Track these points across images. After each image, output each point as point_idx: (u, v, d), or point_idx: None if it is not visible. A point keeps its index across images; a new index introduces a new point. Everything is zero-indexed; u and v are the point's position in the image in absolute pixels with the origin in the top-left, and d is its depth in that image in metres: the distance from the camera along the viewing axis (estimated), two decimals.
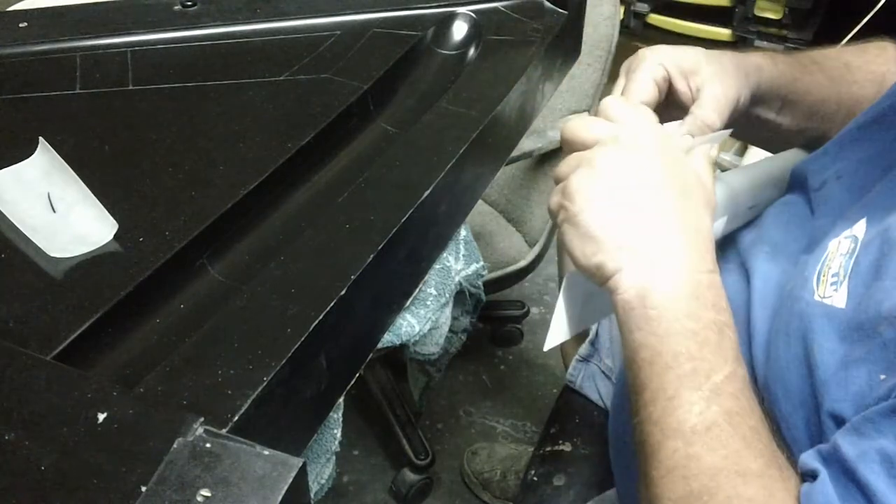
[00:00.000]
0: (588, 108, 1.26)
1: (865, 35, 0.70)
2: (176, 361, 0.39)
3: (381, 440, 1.51)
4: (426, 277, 0.80)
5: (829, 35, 0.76)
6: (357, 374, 0.48)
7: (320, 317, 0.41)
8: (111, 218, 0.47)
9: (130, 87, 0.62)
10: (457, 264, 0.92)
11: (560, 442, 0.86)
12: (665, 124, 0.57)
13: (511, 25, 0.70)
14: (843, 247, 0.51)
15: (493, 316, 1.73)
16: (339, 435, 0.72)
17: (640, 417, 0.48)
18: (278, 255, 0.46)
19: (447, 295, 0.89)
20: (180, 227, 0.47)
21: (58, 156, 0.48)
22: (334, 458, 0.73)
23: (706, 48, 0.61)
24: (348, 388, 0.48)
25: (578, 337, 0.89)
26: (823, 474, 0.42)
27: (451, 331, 1.01)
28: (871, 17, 1.58)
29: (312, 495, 0.70)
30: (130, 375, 0.39)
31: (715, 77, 0.58)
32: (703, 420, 0.45)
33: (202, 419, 0.33)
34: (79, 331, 0.40)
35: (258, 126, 0.57)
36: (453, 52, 0.69)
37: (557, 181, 0.54)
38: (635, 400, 0.49)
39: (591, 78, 1.23)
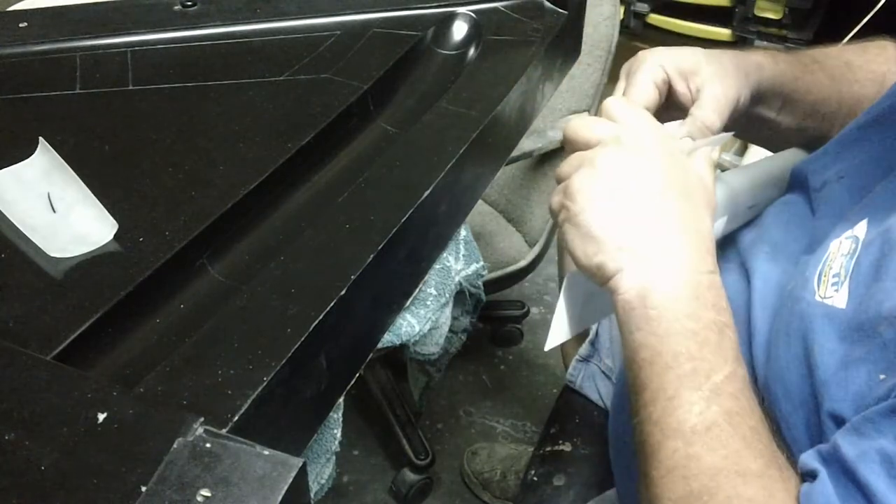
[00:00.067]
0: (588, 108, 1.26)
1: (865, 35, 0.70)
2: (176, 361, 0.39)
3: (381, 440, 1.51)
4: (426, 277, 0.80)
5: (829, 35, 0.76)
6: (357, 374, 0.48)
7: (320, 317, 0.41)
8: (111, 218, 0.47)
9: (130, 87, 0.62)
10: (457, 264, 0.92)
11: (560, 442, 0.86)
12: (665, 124, 0.57)
13: (511, 25, 0.70)
14: (844, 247, 0.51)
15: (493, 316, 1.73)
16: (339, 435, 0.72)
17: (641, 417, 0.48)
18: (278, 255, 0.46)
19: (447, 295, 0.89)
20: (180, 227, 0.47)
21: (58, 156, 0.48)
22: (334, 458, 0.73)
23: (706, 48, 0.61)
24: (348, 388, 0.48)
25: (578, 337, 0.89)
26: (823, 474, 0.42)
27: (451, 331, 1.01)
28: (872, 16, 1.58)
29: (312, 495, 0.70)
30: (130, 375, 0.39)
31: (714, 78, 0.58)
32: (703, 420, 0.45)
33: (202, 419, 0.33)
34: (79, 331, 0.40)
35: (258, 126, 0.57)
36: (453, 52, 0.69)
37: (559, 181, 0.54)
38: (635, 400, 0.49)
39: (591, 78, 1.23)
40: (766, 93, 0.62)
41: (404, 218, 0.48)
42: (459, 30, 0.70)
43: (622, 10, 2.08)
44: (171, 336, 0.41)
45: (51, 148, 0.48)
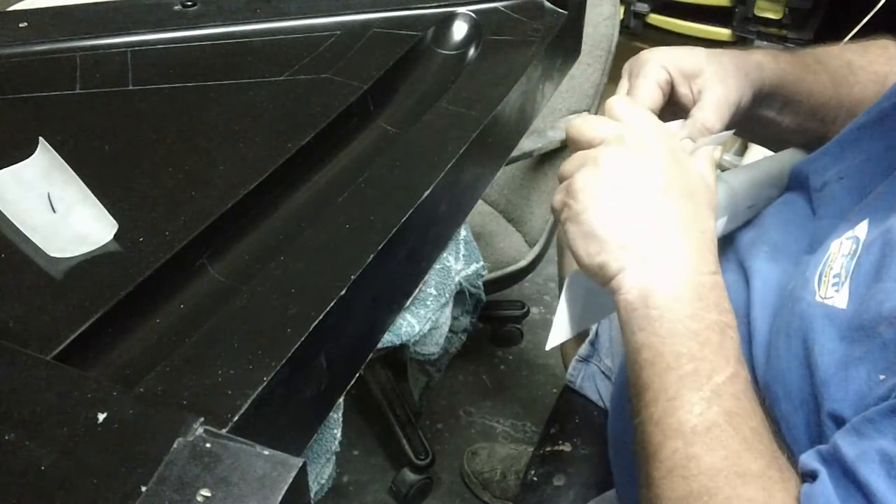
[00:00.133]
0: (588, 108, 1.26)
1: (865, 34, 0.70)
2: (176, 361, 0.39)
3: (381, 440, 1.51)
4: (426, 277, 0.80)
5: (829, 35, 0.76)
6: (357, 374, 0.48)
7: (320, 317, 0.41)
8: (111, 218, 0.47)
9: (130, 87, 0.62)
10: (457, 264, 0.92)
11: (560, 442, 0.86)
12: (667, 123, 0.57)
13: (511, 25, 0.70)
14: (844, 248, 0.51)
15: (493, 316, 1.73)
16: (339, 435, 0.72)
17: (642, 418, 0.48)
18: (278, 255, 0.46)
19: (447, 295, 0.89)
20: (180, 227, 0.47)
21: (58, 156, 0.48)
22: (334, 458, 0.73)
23: (706, 48, 0.61)
24: (348, 388, 0.48)
25: (578, 337, 0.89)
26: (823, 475, 0.42)
27: (451, 331, 1.01)
28: (872, 16, 1.58)
29: (312, 495, 0.70)
30: (130, 375, 0.39)
31: (716, 79, 0.58)
32: (704, 420, 0.45)
33: (202, 419, 0.33)
34: (79, 331, 0.40)
35: (258, 126, 0.57)
36: (453, 52, 0.69)
37: (562, 179, 0.54)
38: (636, 400, 0.49)
39: (591, 78, 1.23)
40: (767, 93, 0.62)
41: (404, 218, 0.48)
42: (459, 30, 0.70)
43: (622, 10, 2.08)
44: (171, 336, 0.41)
45: (51, 148, 0.48)
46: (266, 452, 0.32)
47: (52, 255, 0.45)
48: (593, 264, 0.50)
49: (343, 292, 0.43)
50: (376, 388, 1.48)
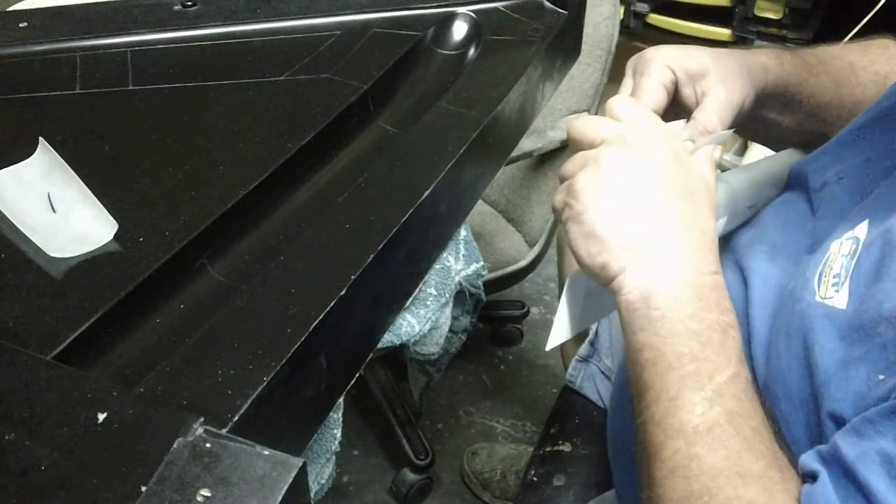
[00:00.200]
0: (588, 108, 1.26)
1: (865, 34, 0.70)
2: (176, 361, 0.39)
3: (381, 440, 1.51)
4: (426, 277, 0.80)
5: (829, 35, 0.76)
6: (357, 374, 0.48)
7: (320, 317, 0.41)
8: (111, 218, 0.47)
9: (130, 87, 0.62)
10: (457, 264, 0.92)
11: (560, 442, 0.86)
12: (668, 123, 0.57)
13: (511, 25, 0.70)
14: (844, 248, 0.51)
15: (493, 316, 1.73)
16: (339, 435, 0.72)
17: (643, 418, 0.48)
18: (278, 255, 0.46)
19: (447, 295, 0.89)
20: (180, 227, 0.47)
21: (58, 156, 0.48)
22: (334, 458, 0.73)
23: (709, 48, 0.61)
24: (348, 388, 0.48)
25: (578, 337, 0.89)
26: (823, 475, 0.42)
27: (451, 331, 1.01)
28: (872, 16, 1.58)
29: (312, 495, 0.70)
30: (130, 375, 0.39)
31: (719, 82, 0.58)
32: (706, 421, 0.45)
33: (202, 419, 0.33)
34: (79, 331, 0.40)
35: (258, 126, 0.57)
36: (453, 52, 0.69)
37: (563, 179, 0.54)
38: (638, 401, 0.49)
39: (591, 78, 1.23)
40: (770, 95, 0.62)
41: (404, 218, 0.48)
42: (459, 30, 0.70)
43: (622, 10, 2.08)
44: (171, 336, 0.41)
45: (51, 148, 0.48)
46: (266, 452, 0.32)
47: (52, 255, 0.45)
48: (594, 265, 0.50)
49: (343, 292, 0.43)
50: (376, 388, 1.48)
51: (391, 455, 1.49)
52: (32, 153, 0.48)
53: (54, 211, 0.47)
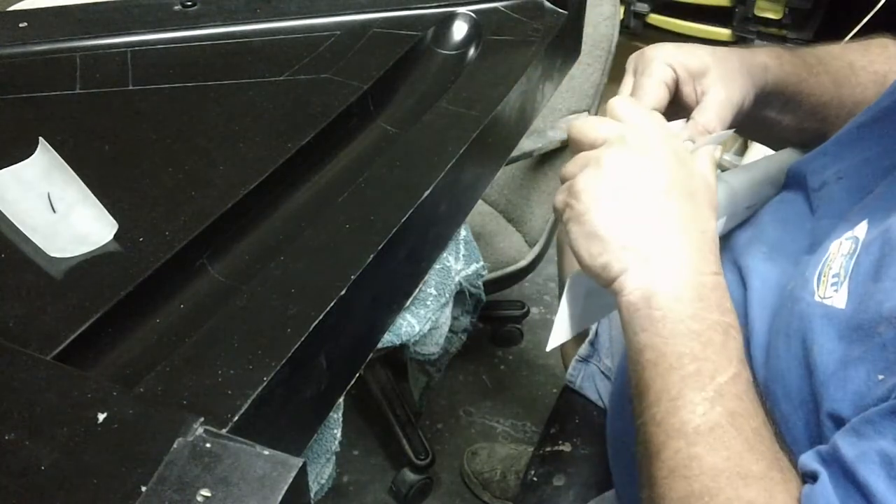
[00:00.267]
0: (588, 108, 1.26)
1: (865, 34, 0.70)
2: (176, 361, 0.39)
3: (381, 440, 1.51)
4: (426, 277, 0.80)
5: (829, 35, 0.76)
6: (357, 374, 0.48)
7: (320, 317, 0.41)
8: (111, 218, 0.47)
9: (130, 87, 0.62)
10: (457, 264, 0.92)
11: (560, 442, 0.86)
12: (668, 123, 0.57)
13: (511, 25, 0.70)
14: (844, 248, 0.51)
15: (493, 316, 1.73)
16: (339, 435, 0.72)
17: (644, 419, 0.48)
18: (278, 255, 0.46)
19: (447, 295, 0.89)
20: (180, 227, 0.47)
21: (58, 156, 0.48)
22: (334, 458, 0.73)
23: (710, 47, 0.61)
24: (348, 388, 0.48)
25: (578, 337, 0.89)
26: (823, 475, 0.42)
27: (451, 331, 1.01)
28: (872, 16, 1.58)
29: (312, 495, 0.70)
30: (130, 375, 0.39)
31: (720, 81, 0.58)
32: (707, 421, 0.45)
33: (202, 419, 0.33)
34: (79, 331, 0.40)
35: (258, 126, 0.57)
36: (453, 52, 0.69)
37: (563, 180, 0.54)
38: (639, 401, 0.49)
39: (591, 78, 1.23)
40: (769, 94, 0.61)
41: (404, 218, 0.48)
42: (459, 30, 0.70)
43: (622, 10, 2.08)
44: (171, 336, 0.41)
45: (51, 148, 0.48)
46: (266, 452, 0.32)
47: (52, 255, 0.45)
48: (595, 265, 0.50)
49: (343, 292, 0.43)
50: (376, 388, 1.48)
51: (391, 455, 1.49)
52: (32, 153, 0.48)
53: (54, 211, 0.47)
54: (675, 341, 0.47)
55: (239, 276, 0.45)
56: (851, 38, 0.71)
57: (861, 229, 0.51)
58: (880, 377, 0.42)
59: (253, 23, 0.70)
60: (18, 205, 0.47)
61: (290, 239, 0.48)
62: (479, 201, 1.14)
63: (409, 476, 1.41)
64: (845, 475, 0.41)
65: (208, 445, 0.32)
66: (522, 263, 1.33)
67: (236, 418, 0.36)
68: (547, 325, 1.77)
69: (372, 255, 0.45)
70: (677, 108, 0.60)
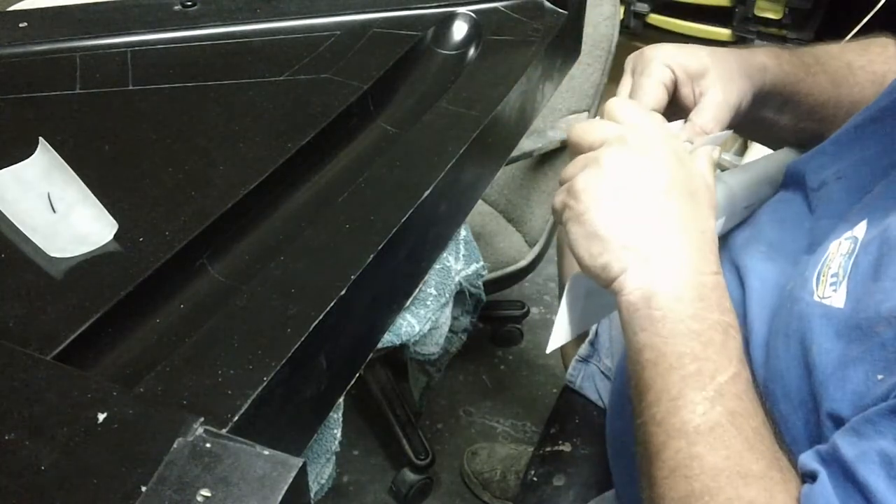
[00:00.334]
0: (588, 108, 1.26)
1: (865, 34, 0.70)
2: (176, 361, 0.39)
3: (381, 440, 1.51)
4: (426, 277, 0.80)
5: (829, 35, 0.76)
6: (357, 374, 0.48)
7: (320, 317, 0.41)
8: (111, 218, 0.47)
9: (130, 87, 0.62)
10: (457, 264, 0.92)
11: (560, 442, 0.86)
12: (667, 124, 0.57)
13: (511, 25, 0.70)
14: (843, 248, 0.51)
15: (493, 316, 1.73)
16: (339, 435, 0.72)
17: (644, 419, 0.48)
18: (278, 255, 0.46)
19: (447, 295, 0.89)
20: (180, 227, 0.47)
21: (58, 156, 0.48)
22: (334, 458, 0.73)
23: (708, 47, 0.61)
24: (348, 388, 0.48)
25: (578, 337, 0.89)
26: (823, 475, 0.42)
27: (451, 331, 1.01)
28: (872, 16, 1.58)
29: (312, 495, 0.70)
30: (130, 375, 0.39)
31: (718, 82, 0.58)
32: (707, 420, 0.45)
33: (202, 419, 0.33)
34: (79, 331, 0.40)
35: (258, 126, 0.57)
36: (453, 52, 0.69)
37: (563, 183, 0.54)
38: (639, 401, 0.49)
39: (591, 78, 1.23)
40: (767, 94, 0.61)
41: (404, 218, 0.48)
42: (459, 30, 0.70)
43: (622, 10, 2.08)
44: (171, 336, 0.41)
45: (51, 148, 0.48)
46: (266, 452, 0.32)
47: (52, 255, 0.45)
48: (595, 265, 0.50)
49: (343, 292, 0.43)
50: (376, 388, 1.48)
51: (391, 455, 1.49)
52: (32, 153, 0.48)
53: (54, 211, 0.47)
54: (676, 341, 0.47)
55: (239, 276, 0.45)
56: (851, 38, 0.71)
57: (860, 229, 0.51)
58: (879, 377, 0.42)
59: (253, 23, 0.70)
60: (18, 205, 0.47)
61: (290, 239, 0.48)
62: (479, 201, 1.14)
63: (409, 476, 1.41)
64: (845, 475, 0.41)
65: (208, 445, 0.32)
66: (522, 263, 1.33)
67: (236, 418, 0.36)
68: (547, 325, 1.77)
69: (372, 255, 0.45)
70: (675, 108, 0.60)
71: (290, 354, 0.39)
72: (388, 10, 0.71)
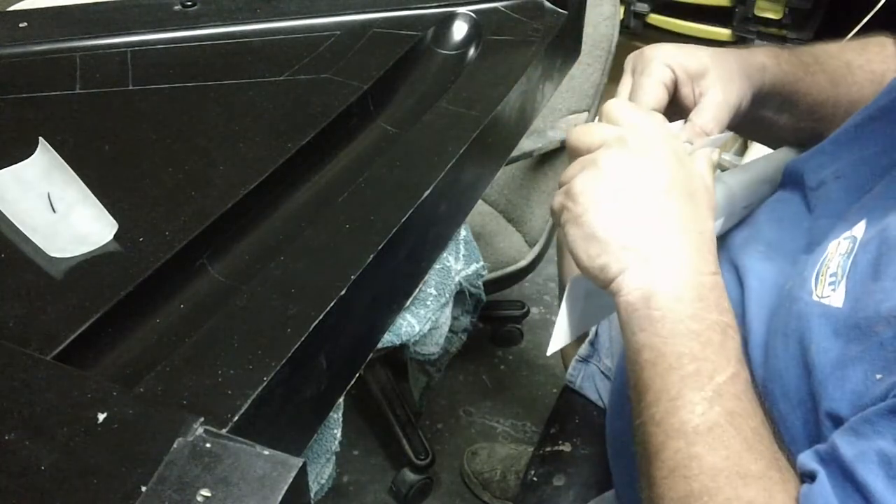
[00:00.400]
0: (588, 108, 1.26)
1: (865, 34, 0.70)
2: (176, 361, 0.39)
3: (381, 440, 1.51)
4: (426, 277, 0.80)
5: (829, 35, 0.76)
6: (357, 374, 0.49)
7: (320, 317, 0.41)
8: (111, 218, 0.47)
9: (130, 87, 0.62)
10: (457, 264, 0.92)
11: (560, 442, 0.86)
12: (668, 124, 0.57)
13: (511, 25, 0.70)
14: (842, 247, 0.51)
15: (493, 316, 1.73)
16: (339, 435, 0.72)
17: (643, 419, 0.48)
18: (278, 255, 0.46)
19: (447, 295, 0.89)
20: (180, 227, 0.47)
21: (58, 156, 0.48)
22: (334, 458, 0.73)
23: (708, 47, 0.61)
24: (348, 388, 0.48)
25: (578, 338, 0.89)
26: (822, 475, 0.42)
27: (451, 331, 1.01)
28: (872, 16, 1.58)
29: (312, 495, 0.70)
30: (130, 375, 0.39)
31: (718, 83, 0.58)
32: (706, 420, 0.45)
33: (202, 419, 0.33)
34: (79, 331, 0.40)
35: (258, 126, 0.57)
36: (453, 52, 0.69)
37: (561, 185, 0.54)
38: (638, 401, 0.49)
39: (591, 78, 1.23)
40: (767, 94, 0.61)
41: (404, 218, 0.48)
42: (459, 30, 0.70)
43: (622, 10, 2.08)
44: (171, 336, 0.41)
45: (51, 148, 0.48)
46: (266, 452, 0.32)
47: (52, 255, 0.45)
48: (594, 266, 0.50)
49: (343, 292, 0.43)
50: (376, 388, 1.48)
51: (391, 455, 1.49)
52: (32, 153, 0.48)
53: (54, 211, 0.47)
54: (675, 341, 0.47)
55: (239, 276, 0.45)
56: (851, 38, 0.71)
57: (859, 229, 0.51)
58: (878, 376, 0.42)
59: (253, 23, 0.70)
60: (18, 205, 0.47)
61: (290, 239, 0.48)
62: (479, 201, 1.14)
63: (409, 476, 1.41)
64: (844, 475, 0.41)
65: (208, 445, 0.32)
66: (522, 263, 1.33)
67: (236, 418, 0.36)
68: (547, 325, 1.77)
69: (372, 255, 0.45)
70: (675, 108, 0.60)
71: (290, 354, 0.39)
72: (388, 10, 0.71)
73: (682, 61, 0.59)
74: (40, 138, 0.48)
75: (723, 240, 0.65)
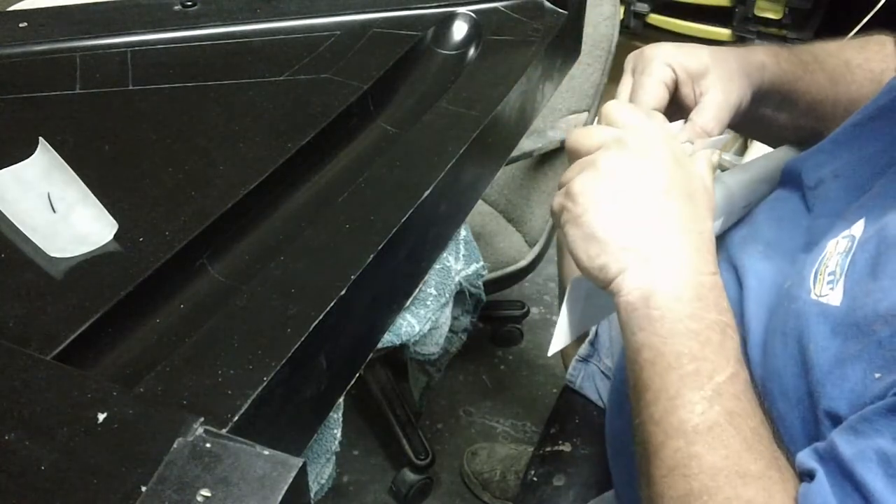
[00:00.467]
0: (588, 108, 1.26)
1: (865, 34, 0.70)
2: (176, 361, 0.39)
3: (381, 440, 1.51)
4: (426, 277, 0.80)
5: (829, 35, 0.76)
6: (357, 374, 0.49)
7: (320, 317, 0.41)
8: (111, 218, 0.47)
9: (130, 87, 0.62)
10: (457, 264, 0.92)
11: (560, 442, 0.86)
12: (669, 123, 0.57)
13: (511, 25, 0.70)
14: (840, 246, 0.51)
15: (493, 316, 1.73)
16: (339, 435, 0.72)
17: (642, 418, 0.48)
18: (278, 255, 0.46)
19: (447, 295, 0.89)
20: (180, 227, 0.47)
21: (58, 156, 0.48)
22: (334, 458, 0.73)
23: (708, 46, 0.61)
24: (348, 388, 0.48)
25: (578, 338, 0.89)
26: (820, 474, 0.42)
27: (451, 331, 1.01)
28: (872, 16, 1.58)
29: (312, 495, 0.70)
30: (130, 375, 0.39)
31: (718, 82, 0.58)
32: (705, 420, 0.45)
33: (202, 419, 0.33)
34: (79, 331, 0.40)
35: (258, 126, 0.57)
36: (453, 52, 0.69)
37: (561, 187, 0.54)
38: (637, 401, 0.49)
39: (591, 78, 1.23)
40: (766, 93, 0.62)
41: (404, 218, 0.48)
42: (459, 30, 0.70)
43: (622, 10, 2.08)
44: (171, 336, 0.41)
45: (51, 148, 0.48)
46: (266, 452, 0.32)
47: (52, 255, 0.45)
48: (594, 266, 0.50)
49: (343, 292, 0.43)
50: (376, 388, 1.48)
51: (391, 455, 1.49)
52: (32, 153, 0.48)
53: (54, 211, 0.47)
54: (674, 341, 0.47)
55: (239, 276, 0.45)
56: (851, 37, 0.71)
57: (858, 228, 0.51)
58: (877, 375, 0.42)
59: (253, 23, 0.70)
60: (18, 205, 0.47)
61: (290, 239, 0.48)
62: (479, 201, 1.14)
63: (409, 476, 1.41)
64: (842, 473, 0.41)
65: (208, 445, 0.32)
66: (522, 263, 1.33)
67: (236, 418, 0.36)
68: (547, 325, 1.77)
69: (372, 255, 0.45)
70: (675, 108, 0.60)
71: (290, 354, 0.39)
72: (388, 10, 0.71)
73: (682, 61, 0.59)
74: (40, 138, 0.48)
75: (722, 239, 0.65)
